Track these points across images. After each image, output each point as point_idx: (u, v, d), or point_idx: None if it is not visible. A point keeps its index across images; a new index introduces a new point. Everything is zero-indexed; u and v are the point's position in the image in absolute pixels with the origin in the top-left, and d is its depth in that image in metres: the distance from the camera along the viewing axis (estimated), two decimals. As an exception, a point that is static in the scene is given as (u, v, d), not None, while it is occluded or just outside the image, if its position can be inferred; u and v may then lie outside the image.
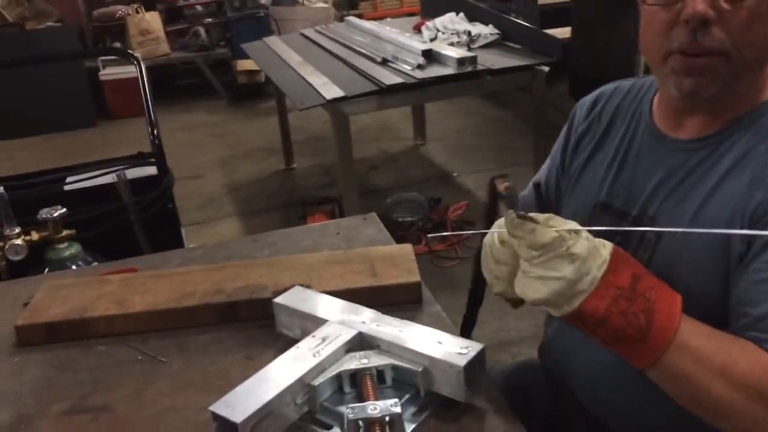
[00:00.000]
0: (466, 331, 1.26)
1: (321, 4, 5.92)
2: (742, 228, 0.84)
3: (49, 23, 5.65)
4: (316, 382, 0.89)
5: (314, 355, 0.92)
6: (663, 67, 0.91)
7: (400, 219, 3.28)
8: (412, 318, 1.04)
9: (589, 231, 0.81)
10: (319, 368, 0.91)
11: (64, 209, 1.78)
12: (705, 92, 0.89)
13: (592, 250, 0.79)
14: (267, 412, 0.84)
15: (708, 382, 0.78)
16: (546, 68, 2.89)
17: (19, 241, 1.73)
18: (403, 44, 3.11)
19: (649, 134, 1.00)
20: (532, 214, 0.80)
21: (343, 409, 0.86)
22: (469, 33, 3.25)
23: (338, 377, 0.91)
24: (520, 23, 3.35)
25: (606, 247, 0.80)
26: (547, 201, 1.19)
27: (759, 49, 0.86)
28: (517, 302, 0.95)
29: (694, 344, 0.79)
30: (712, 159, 0.91)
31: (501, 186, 1.10)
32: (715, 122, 0.92)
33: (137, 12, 5.64)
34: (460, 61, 2.84)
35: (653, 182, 0.97)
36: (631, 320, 0.78)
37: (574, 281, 0.77)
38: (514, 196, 1.10)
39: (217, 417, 0.83)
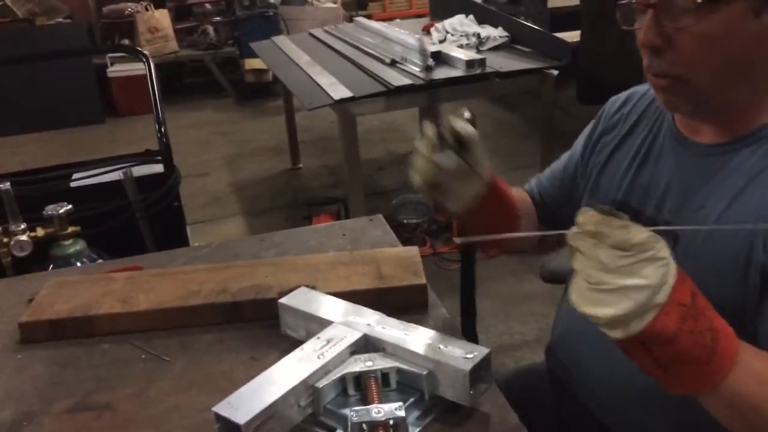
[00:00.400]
0: (469, 336, 1.25)
1: (330, 5, 5.92)
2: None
3: (59, 19, 5.66)
4: (321, 384, 0.89)
5: (319, 357, 0.91)
6: None
7: (405, 221, 3.27)
8: (418, 321, 1.03)
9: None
10: (324, 370, 0.90)
11: (70, 206, 1.78)
12: (681, 109, 0.92)
13: (671, 258, 0.71)
14: (270, 414, 0.83)
15: None
16: (555, 72, 2.88)
17: (24, 237, 1.73)
18: (412, 46, 3.11)
19: (671, 136, 1.00)
20: (611, 209, 0.71)
21: (347, 411, 0.85)
22: (479, 35, 3.24)
23: (342, 379, 0.91)
24: (530, 26, 3.34)
25: (664, 250, 0.72)
26: (559, 192, 1.19)
27: (716, 71, 0.85)
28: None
29: (757, 366, 0.74)
30: (730, 166, 0.89)
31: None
32: (727, 132, 0.91)
33: (146, 9, 5.66)
34: (469, 63, 2.83)
35: (671, 184, 0.96)
36: (698, 340, 0.71)
37: (656, 289, 0.69)
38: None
39: (220, 418, 0.83)
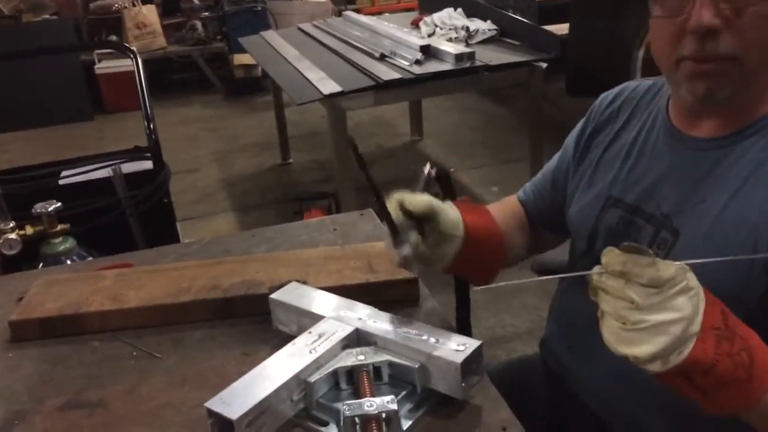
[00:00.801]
0: (463, 330, 1.25)
1: (318, -1, 5.91)
2: None
3: (45, 16, 5.62)
4: (313, 378, 0.89)
5: (311, 352, 0.91)
6: (675, 74, 0.91)
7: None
8: (409, 314, 1.03)
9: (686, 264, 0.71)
10: (316, 365, 0.90)
11: (59, 203, 1.77)
12: (719, 94, 0.89)
13: (700, 286, 0.71)
14: (263, 409, 0.83)
15: None
16: (544, 64, 2.88)
17: (13, 236, 1.72)
18: (401, 39, 3.11)
19: (665, 131, 1.00)
20: (636, 245, 0.70)
21: (339, 405, 0.86)
22: (467, 29, 3.24)
23: (335, 374, 0.91)
24: (518, 19, 3.34)
25: (693, 278, 0.71)
26: (553, 194, 1.18)
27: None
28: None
29: None
30: (729, 160, 0.90)
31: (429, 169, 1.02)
32: (730, 124, 0.91)
33: (134, 5, 5.62)
34: (458, 57, 2.83)
35: (667, 179, 0.96)
36: (737, 361, 0.70)
37: (690, 320, 0.68)
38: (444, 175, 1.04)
39: (212, 414, 0.83)
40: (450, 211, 0.98)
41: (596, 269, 0.72)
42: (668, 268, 0.69)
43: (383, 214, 0.94)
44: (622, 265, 0.69)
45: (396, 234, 0.94)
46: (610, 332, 0.70)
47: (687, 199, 0.92)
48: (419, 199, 0.96)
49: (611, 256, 0.70)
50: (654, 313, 0.68)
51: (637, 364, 0.69)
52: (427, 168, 1.03)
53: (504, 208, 1.23)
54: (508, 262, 1.15)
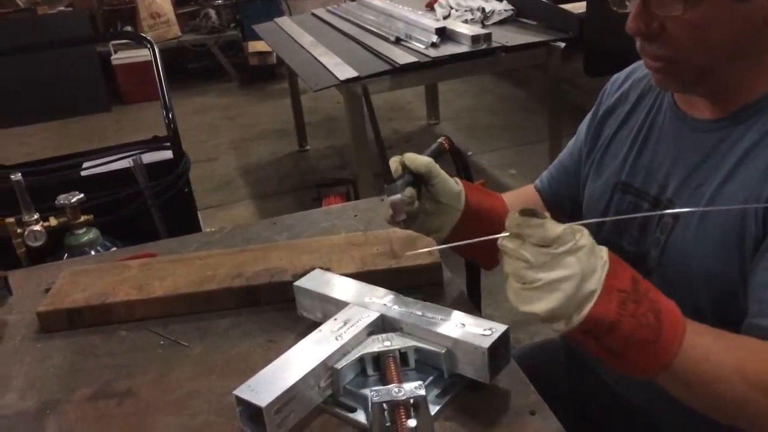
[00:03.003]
0: (475, 300, 1.24)
1: (332, -16, 5.87)
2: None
3: (60, 8, 5.64)
4: (339, 365, 0.89)
5: (337, 339, 0.92)
6: None
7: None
8: (434, 299, 1.03)
9: (609, 220, 0.78)
10: (342, 351, 0.90)
11: (82, 195, 1.78)
12: (672, 87, 0.94)
13: (593, 246, 0.74)
14: (291, 396, 0.84)
15: (724, 381, 0.75)
16: (562, 44, 2.85)
17: (37, 228, 1.74)
18: (416, 22, 3.08)
19: (671, 113, 0.99)
20: (532, 208, 0.73)
21: (366, 392, 0.86)
22: (483, 10, 3.21)
23: (361, 360, 0.91)
24: (535, -2, 3.29)
25: (602, 249, 0.75)
26: (568, 181, 1.17)
27: (707, 53, 0.85)
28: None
29: (704, 343, 0.75)
30: (727, 142, 0.89)
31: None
32: (724, 107, 0.91)
33: (148, -5, 5.63)
34: (475, 39, 2.80)
35: (673, 163, 0.96)
36: (642, 321, 0.73)
37: (584, 277, 0.71)
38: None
39: (241, 401, 0.83)
40: (451, 183, 1.01)
41: (502, 234, 0.75)
42: (555, 227, 0.72)
43: (381, 160, 0.97)
44: (517, 227, 0.73)
45: (389, 181, 0.96)
46: (512, 292, 0.74)
47: (688, 182, 0.93)
48: (420, 158, 0.99)
49: (510, 220, 0.73)
50: (546, 272, 0.71)
51: (542, 322, 0.72)
52: (440, 139, 1.06)
53: (519, 195, 1.23)
54: None
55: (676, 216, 0.92)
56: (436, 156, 1.02)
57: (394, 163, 0.99)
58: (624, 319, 0.72)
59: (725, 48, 0.85)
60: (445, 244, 1.02)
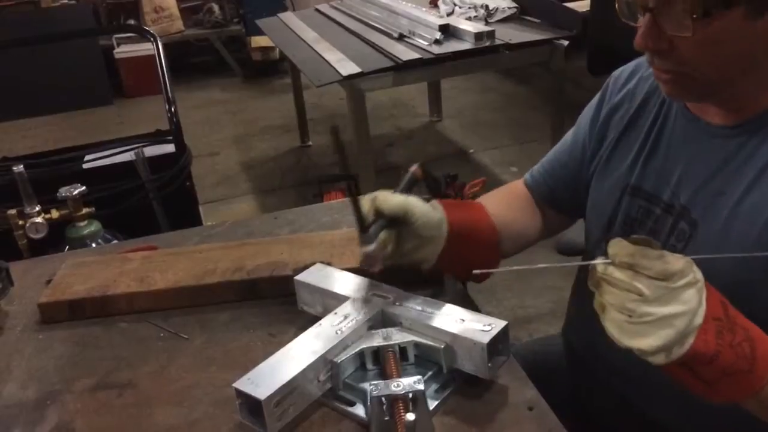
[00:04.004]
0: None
1: (335, -21, 5.86)
2: None
3: (64, 1, 5.64)
4: (339, 359, 0.89)
5: (337, 333, 0.92)
6: None
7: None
8: (434, 295, 1.03)
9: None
10: (342, 345, 0.91)
11: (84, 187, 1.78)
12: (683, 99, 0.92)
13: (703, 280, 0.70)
14: (290, 389, 0.84)
15: None
16: (565, 42, 2.85)
17: (39, 220, 1.74)
18: (420, 19, 3.08)
19: (682, 116, 0.97)
20: (646, 238, 0.69)
21: (366, 386, 0.86)
22: (487, 7, 3.20)
23: (361, 354, 0.91)
24: (538, -4, 3.29)
25: (698, 271, 0.70)
26: (566, 174, 1.15)
27: (719, 68, 0.84)
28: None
29: None
30: (746, 150, 0.88)
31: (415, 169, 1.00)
32: (740, 114, 0.89)
33: (151, -11, 5.62)
34: (478, 36, 2.80)
35: (686, 167, 0.94)
36: (739, 352, 0.71)
37: (695, 312, 0.68)
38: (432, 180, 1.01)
39: (240, 394, 0.83)
40: (430, 213, 0.96)
41: (600, 260, 0.71)
42: (677, 261, 0.68)
43: (353, 209, 0.92)
44: (631, 257, 0.68)
45: (363, 230, 0.93)
46: (615, 325, 0.69)
47: (704, 189, 0.91)
48: (392, 199, 0.94)
49: (619, 247, 0.69)
50: (661, 306, 0.67)
51: (641, 356, 0.69)
52: (412, 168, 1.01)
53: (504, 196, 1.20)
54: (513, 249, 1.13)
55: (693, 225, 0.90)
56: (411, 188, 0.98)
57: (366, 204, 0.94)
58: (723, 350, 0.70)
59: (738, 63, 0.83)
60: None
